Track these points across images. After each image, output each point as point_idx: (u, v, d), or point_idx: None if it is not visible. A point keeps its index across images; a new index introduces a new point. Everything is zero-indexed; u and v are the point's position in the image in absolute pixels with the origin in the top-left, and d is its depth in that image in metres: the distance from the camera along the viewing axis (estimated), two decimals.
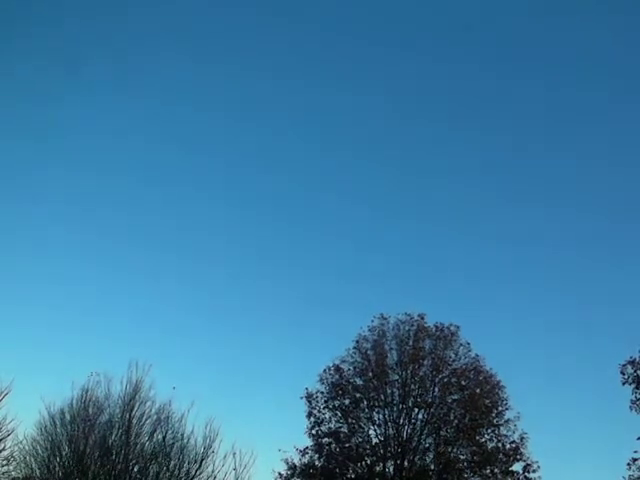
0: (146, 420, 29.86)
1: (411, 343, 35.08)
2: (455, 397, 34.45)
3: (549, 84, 59.31)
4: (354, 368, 35.43)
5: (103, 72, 56.46)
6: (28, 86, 52.72)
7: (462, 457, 33.71)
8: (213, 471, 28.57)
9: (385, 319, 35.76)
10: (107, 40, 56.03)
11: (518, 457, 33.13)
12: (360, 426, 34.54)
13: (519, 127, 61.38)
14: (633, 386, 25.56)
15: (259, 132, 61.44)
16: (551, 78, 59.07)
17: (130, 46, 59.06)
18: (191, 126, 61.08)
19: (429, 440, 33.91)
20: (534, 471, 32.90)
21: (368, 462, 33.98)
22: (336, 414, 34.89)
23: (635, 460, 25.16)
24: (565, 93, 58.91)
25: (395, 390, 34.38)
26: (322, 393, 35.34)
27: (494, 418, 33.90)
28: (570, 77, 59.28)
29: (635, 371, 25.51)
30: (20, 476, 28.67)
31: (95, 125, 58.61)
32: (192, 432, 29.26)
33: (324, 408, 35.03)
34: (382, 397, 34.37)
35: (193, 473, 28.78)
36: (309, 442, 34.57)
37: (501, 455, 33.23)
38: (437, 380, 34.49)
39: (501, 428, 33.71)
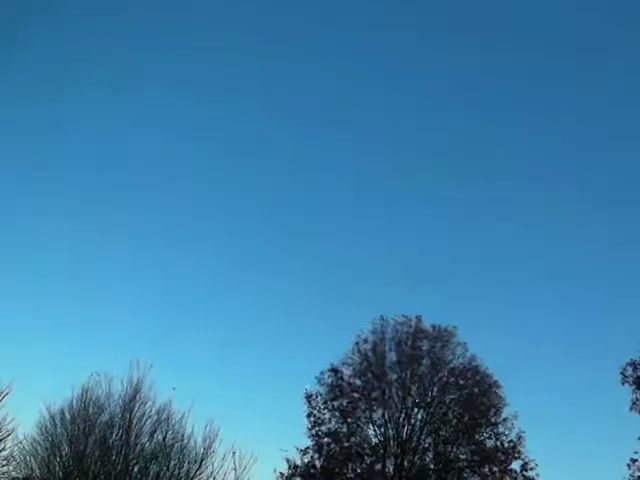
0: (146, 420, 29.74)
1: (409, 344, 35.16)
2: (453, 397, 34.63)
3: None
4: (353, 369, 35.61)
5: (100, 69, 56.00)
6: (26, 83, 52.37)
7: (461, 456, 33.87)
8: (213, 471, 28.50)
9: (384, 321, 35.94)
10: (105, 37, 55.70)
11: (516, 455, 33.30)
12: (359, 426, 34.65)
13: None
14: (633, 387, 25.63)
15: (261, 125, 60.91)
16: None
17: (128, 42, 58.61)
18: (189, 119, 60.72)
19: (428, 440, 34.06)
20: (532, 469, 33.12)
21: (368, 462, 34.08)
22: (335, 414, 34.98)
23: (635, 460, 25.26)
24: None
25: (394, 390, 34.49)
26: (321, 395, 35.44)
27: (492, 417, 34.05)
28: None
29: (635, 372, 25.58)
30: (20, 476, 28.53)
31: (93, 121, 58.20)
32: (192, 432, 29.17)
33: (324, 409, 35.13)
34: (381, 397, 34.45)
35: (193, 473, 28.68)
36: (309, 442, 34.72)
37: (499, 454, 33.35)
38: (436, 380, 34.62)
39: (499, 426, 33.91)
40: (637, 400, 25.16)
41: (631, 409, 25.30)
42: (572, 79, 59.83)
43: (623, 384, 25.48)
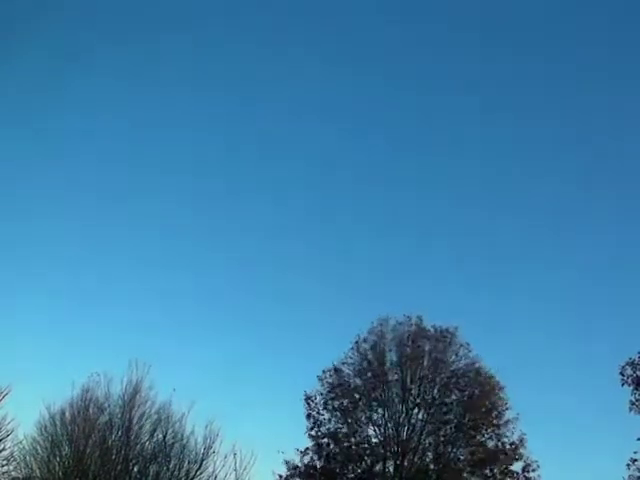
0: (146, 420, 29.91)
1: (410, 344, 35.13)
2: (455, 398, 34.49)
3: None
4: (353, 369, 35.53)
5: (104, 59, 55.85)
6: (28, 75, 52.20)
7: (462, 457, 33.79)
8: (213, 471, 28.62)
9: (384, 321, 35.86)
10: (107, 27, 55.55)
11: (517, 457, 33.23)
12: (359, 426, 34.60)
13: None
14: (632, 387, 25.56)
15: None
16: None
17: (131, 32, 58.28)
18: (191, 110, 60.51)
19: (429, 440, 33.96)
20: (533, 470, 33.05)
21: (368, 462, 34.05)
22: (335, 415, 34.95)
23: (635, 460, 25.15)
24: None
25: (394, 390, 34.43)
26: (321, 394, 35.42)
27: (494, 419, 33.94)
28: None
29: (634, 372, 25.51)
30: (20, 476, 28.65)
31: (96, 114, 58.05)
32: (192, 432, 29.34)
33: (323, 409, 35.12)
34: (381, 397, 34.42)
35: (193, 473, 28.79)
36: (309, 443, 34.69)
37: (500, 455, 33.28)
38: (437, 381, 34.52)
39: (501, 428, 33.76)
40: (636, 400, 25.13)
41: (630, 409, 25.26)
42: None
43: (622, 385, 25.45)
